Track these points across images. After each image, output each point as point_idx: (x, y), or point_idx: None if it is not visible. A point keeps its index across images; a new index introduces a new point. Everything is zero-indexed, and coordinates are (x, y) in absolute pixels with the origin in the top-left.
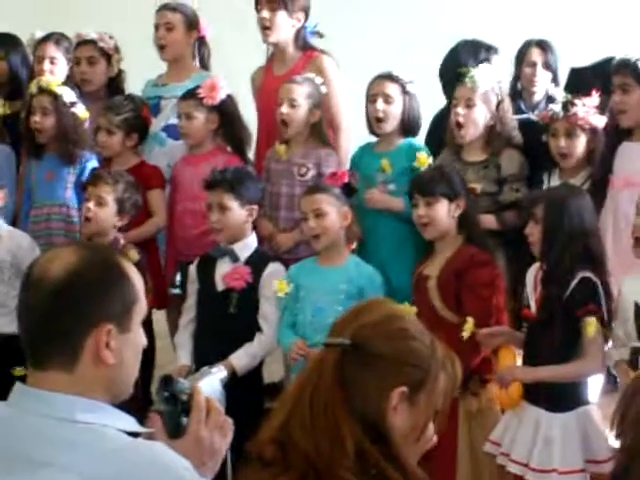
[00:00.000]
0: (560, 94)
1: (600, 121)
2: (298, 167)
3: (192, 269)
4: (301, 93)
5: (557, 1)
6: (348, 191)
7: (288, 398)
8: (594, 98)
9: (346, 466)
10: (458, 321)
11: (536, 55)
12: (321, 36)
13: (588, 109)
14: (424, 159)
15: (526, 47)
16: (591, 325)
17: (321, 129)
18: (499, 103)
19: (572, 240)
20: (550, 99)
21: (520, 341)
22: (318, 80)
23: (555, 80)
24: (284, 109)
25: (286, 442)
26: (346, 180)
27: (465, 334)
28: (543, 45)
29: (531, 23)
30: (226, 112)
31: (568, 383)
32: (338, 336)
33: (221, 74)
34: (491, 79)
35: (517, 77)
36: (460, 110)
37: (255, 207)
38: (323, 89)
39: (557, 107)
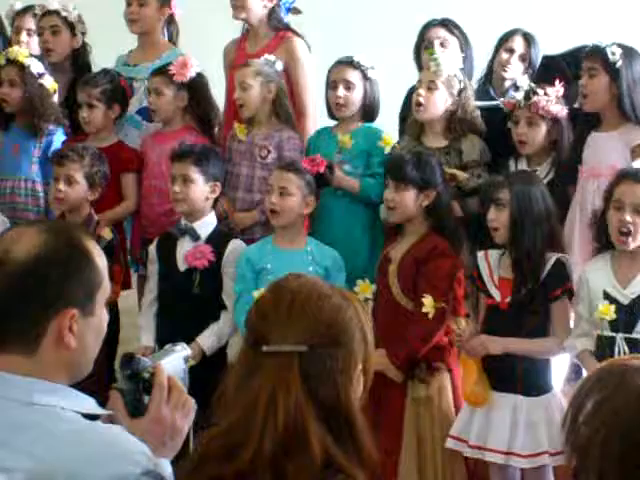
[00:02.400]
0: (525, 82)
1: (561, 110)
2: (259, 149)
3: (152, 249)
4: (249, 74)
5: None
6: (321, 182)
7: (246, 412)
8: (557, 87)
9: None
10: (412, 308)
11: (518, 44)
12: (298, 12)
13: (549, 98)
14: (389, 139)
15: (511, 34)
16: None
17: (282, 106)
18: (461, 90)
19: (540, 223)
20: (516, 87)
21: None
22: (271, 57)
23: (532, 74)
24: (236, 94)
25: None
26: (322, 170)
27: (426, 310)
28: (528, 37)
29: (511, 12)
30: (195, 90)
31: (542, 367)
32: (283, 341)
33: (192, 51)
34: (456, 65)
35: (492, 61)
36: (422, 91)
37: (218, 184)
38: (279, 66)
39: (520, 95)
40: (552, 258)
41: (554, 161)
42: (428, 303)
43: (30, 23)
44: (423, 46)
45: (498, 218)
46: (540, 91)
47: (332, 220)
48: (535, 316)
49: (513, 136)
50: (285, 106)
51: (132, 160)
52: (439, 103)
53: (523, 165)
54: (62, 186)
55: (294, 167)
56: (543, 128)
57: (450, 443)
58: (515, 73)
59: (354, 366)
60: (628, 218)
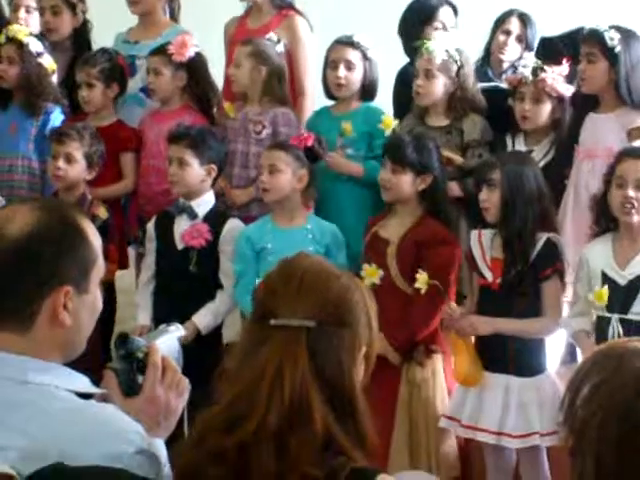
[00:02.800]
0: (531, 59)
1: (567, 90)
2: (254, 124)
3: (150, 227)
4: (244, 52)
5: None
6: (312, 157)
7: (251, 384)
8: (564, 67)
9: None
10: (410, 292)
11: (514, 25)
12: None
13: (557, 77)
14: (389, 121)
15: (507, 15)
16: None
17: (274, 88)
18: (459, 69)
19: (531, 203)
20: (514, 68)
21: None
22: (274, 37)
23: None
24: (230, 70)
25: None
26: (310, 144)
27: (419, 285)
28: (524, 18)
29: None
30: (194, 70)
31: (535, 347)
32: (291, 315)
33: (194, 28)
34: (449, 46)
35: (490, 43)
36: (420, 82)
37: (214, 167)
38: (281, 47)
39: (527, 71)
40: (543, 238)
41: (554, 140)
42: (422, 279)
43: (29, 0)
44: None
45: (489, 198)
46: (548, 69)
47: (337, 205)
48: (525, 297)
49: (515, 113)
50: (277, 88)
51: (131, 139)
52: (438, 89)
53: (521, 143)
54: (61, 163)
55: (280, 145)
56: (548, 105)
57: (443, 422)
58: (513, 55)
59: (358, 348)
60: (631, 193)
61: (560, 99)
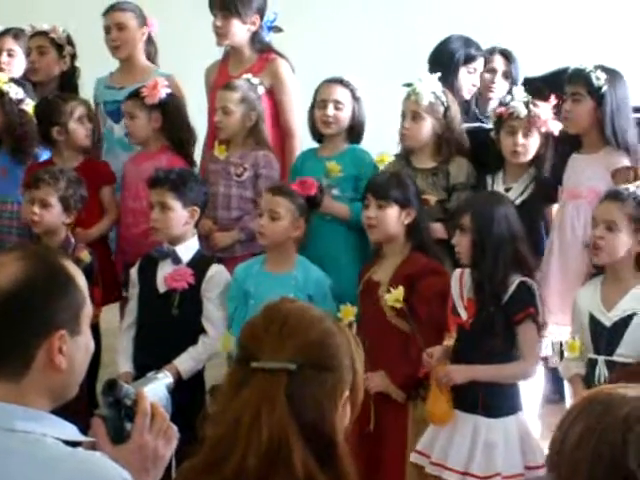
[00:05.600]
0: (521, 94)
1: (556, 127)
2: (235, 167)
3: (133, 272)
4: (233, 99)
5: (516, 10)
6: (312, 203)
7: (230, 427)
8: (552, 103)
9: None
10: (409, 329)
11: (498, 63)
12: (279, 30)
13: (549, 112)
14: (385, 157)
15: (490, 53)
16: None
17: (259, 131)
18: (446, 110)
19: (502, 246)
20: (502, 105)
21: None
22: (255, 81)
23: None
24: (217, 117)
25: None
26: (313, 192)
27: (391, 303)
28: (507, 54)
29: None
30: (168, 111)
31: (506, 389)
32: (272, 359)
33: (175, 72)
34: (436, 89)
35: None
36: (407, 124)
37: (197, 209)
38: (261, 90)
39: (520, 105)
40: (516, 281)
41: (533, 176)
42: (393, 297)
43: (10, 44)
44: None
45: (460, 242)
46: (540, 104)
47: (319, 243)
48: (496, 338)
49: (504, 146)
50: (262, 132)
51: (105, 173)
52: (425, 132)
53: (499, 182)
54: (37, 209)
55: (284, 190)
56: (537, 140)
57: (413, 457)
58: (501, 92)
59: (340, 393)
60: (598, 233)
61: (546, 135)
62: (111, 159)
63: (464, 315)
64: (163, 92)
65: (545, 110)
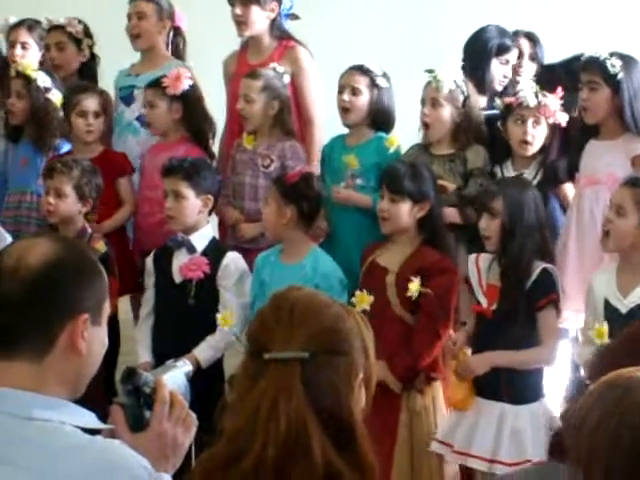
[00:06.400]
0: (529, 83)
1: (563, 119)
2: (262, 158)
3: (149, 262)
4: (255, 88)
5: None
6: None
7: (249, 419)
8: (559, 95)
9: None
10: (411, 320)
11: (524, 46)
12: (296, 18)
13: (557, 104)
14: (393, 140)
15: (514, 36)
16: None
17: (285, 120)
18: (465, 99)
19: (531, 232)
20: (505, 89)
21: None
22: (280, 69)
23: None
24: (239, 104)
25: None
26: (294, 180)
27: (411, 293)
28: (531, 36)
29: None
30: (189, 102)
31: (530, 375)
32: (284, 348)
33: (196, 64)
34: (456, 77)
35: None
36: (426, 111)
37: (211, 197)
38: (286, 78)
39: (529, 95)
40: (539, 267)
41: (540, 164)
42: (414, 287)
43: (24, 36)
44: None
45: (489, 227)
46: (549, 95)
47: (344, 235)
48: (519, 326)
49: (513, 135)
50: (286, 120)
51: (122, 163)
52: (444, 119)
53: (509, 169)
54: (52, 199)
55: (275, 177)
56: (545, 130)
57: (434, 446)
58: (528, 75)
59: (355, 375)
60: (609, 216)
61: (554, 126)
62: (120, 144)
63: (484, 302)
64: (186, 83)
65: (553, 101)
